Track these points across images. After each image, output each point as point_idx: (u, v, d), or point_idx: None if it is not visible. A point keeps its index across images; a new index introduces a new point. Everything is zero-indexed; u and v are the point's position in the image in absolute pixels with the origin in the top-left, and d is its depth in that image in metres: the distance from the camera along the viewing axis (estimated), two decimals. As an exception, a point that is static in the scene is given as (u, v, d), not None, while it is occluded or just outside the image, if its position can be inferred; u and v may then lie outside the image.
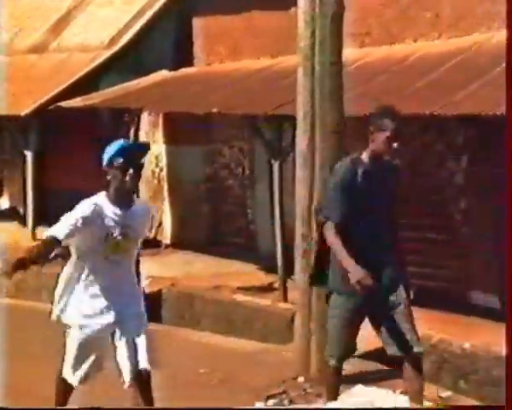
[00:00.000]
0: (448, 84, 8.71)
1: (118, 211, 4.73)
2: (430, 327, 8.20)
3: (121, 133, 11.56)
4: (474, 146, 9.31)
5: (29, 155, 13.54)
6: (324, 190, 5.78)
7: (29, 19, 16.09)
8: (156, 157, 13.29)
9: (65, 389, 5.03)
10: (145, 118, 13.29)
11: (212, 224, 12.86)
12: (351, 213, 5.05)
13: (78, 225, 4.55)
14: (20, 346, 7.55)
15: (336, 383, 5.69)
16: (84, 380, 4.95)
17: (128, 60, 13.64)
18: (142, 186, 13.45)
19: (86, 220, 4.58)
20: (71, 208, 4.65)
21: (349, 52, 9.42)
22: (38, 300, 10.19)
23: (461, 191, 9.48)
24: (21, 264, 4.42)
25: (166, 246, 12.87)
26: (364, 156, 5.13)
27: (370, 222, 5.09)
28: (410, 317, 5.31)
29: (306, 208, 6.71)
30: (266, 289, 10.41)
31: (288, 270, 8.96)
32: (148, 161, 13.49)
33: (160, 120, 13.29)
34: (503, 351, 7.46)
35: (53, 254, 4.57)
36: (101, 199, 4.75)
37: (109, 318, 4.80)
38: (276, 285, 10.07)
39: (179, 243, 12.78)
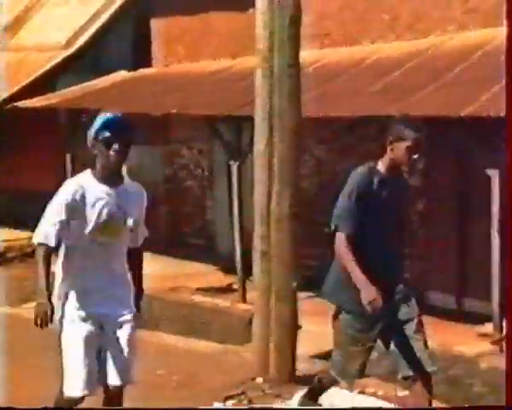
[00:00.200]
0: (405, 86, 8.78)
1: (105, 189, 4.38)
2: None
3: (79, 134, 11.46)
4: (431, 147, 9.38)
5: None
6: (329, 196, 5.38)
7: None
8: (115, 158, 13.19)
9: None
10: (103, 119, 13.17)
11: (171, 225, 12.83)
12: (363, 224, 4.77)
13: (64, 219, 4.28)
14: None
15: None
16: (100, 381, 4.42)
17: (86, 60, 13.56)
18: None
19: (71, 211, 4.29)
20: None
21: (308, 54, 9.47)
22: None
23: (418, 193, 9.56)
24: (43, 306, 4.18)
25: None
26: (380, 166, 4.83)
27: (382, 234, 4.82)
28: (423, 333, 4.93)
29: (265, 209, 6.71)
30: (225, 290, 10.41)
31: (247, 271, 8.96)
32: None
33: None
34: (460, 350, 7.58)
35: None
36: (85, 178, 4.42)
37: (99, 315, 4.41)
38: (236, 286, 10.07)
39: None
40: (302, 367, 6.87)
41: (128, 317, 4.48)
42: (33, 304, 4.30)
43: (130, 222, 4.48)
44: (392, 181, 4.81)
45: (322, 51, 10.64)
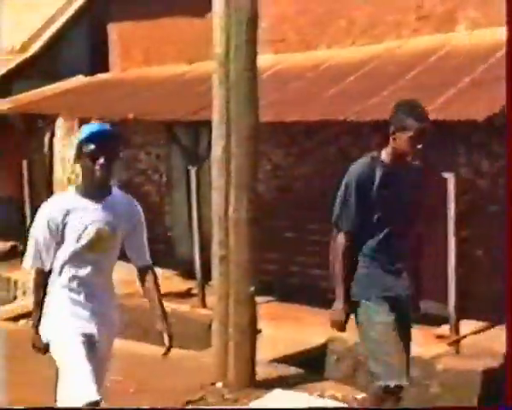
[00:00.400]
0: (361, 90, 8.83)
1: (90, 204, 4.15)
2: (347, 330, 8.29)
3: (35, 139, 11.36)
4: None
5: None
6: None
7: None
8: (72, 164, 13.09)
9: None
10: (60, 123, 13.08)
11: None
12: (364, 220, 4.51)
13: (50, 242, 4.14)
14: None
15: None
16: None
17: (42, 65, 13.44)
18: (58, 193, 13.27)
19: (55, 232, 4.12)
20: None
21: (264, 58, 9.47)
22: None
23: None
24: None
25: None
26: (384, 156, 4.57)
27: (386, 230, 4.54)
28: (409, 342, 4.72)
29: (223, 214, 6.70)
30: (184, 295, 10.37)
31: (206, 276, 8.93)
32: (64, 167, 13.30)
33: (76, 126, 13.10)
34: (417, 352, 7.62)
35: None
36: (68, 195, 4.22)
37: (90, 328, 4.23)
38: (195, 291, 10.03)
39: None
40: (262, 372, 6.87)
41: (112, 337, 4.43)
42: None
43: (119, 237, 4.26)
44: (400, 171, 4.54)
45: (278, 56, 10.66)
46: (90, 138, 4.08)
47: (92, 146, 4.05)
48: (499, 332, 7.73)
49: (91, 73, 13.16)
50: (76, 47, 13.45)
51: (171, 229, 12.25)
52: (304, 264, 10.15)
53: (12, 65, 13.44)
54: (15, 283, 11.69)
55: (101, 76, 13.03)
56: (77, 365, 4.08)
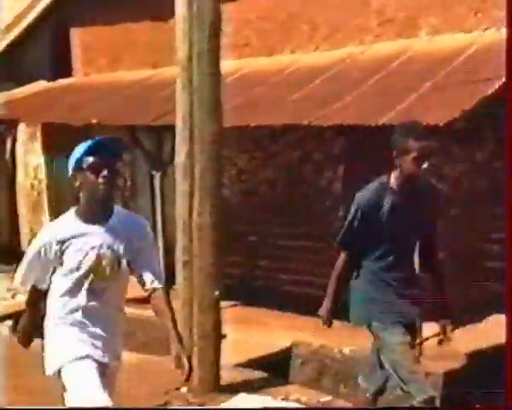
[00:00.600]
0: (324, 95, 8.87)
1: (90, 229, 3.81)
2: (311, 333, 8.33)
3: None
4: (350, 155, 9.52)
5: None
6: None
7: None
8: (35, 169, 13.00)
9: None
10: (23, 129, 12.98)
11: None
12: (374, 245, 4.54)
13: (48, 266, 3.87)
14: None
15: None
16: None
17: (3, 70, 13.30)
18: (21, 199, 13.16)
19: (50, 260, 3.84)
20: None
21: (228, 63, 9.49)
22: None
23: (338, 200, 9.67)
24: (25, 339, 4.10)
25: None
26: (393, 181, 4.50)
27: (398, 254, 4.54)
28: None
29: (187, 219, 6.70)
30: (148, 300, 10.31)
31: (171, 280, 8.91)
32: (27, 173, 13.20)
33: (39, 131, 13.01)
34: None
35: None
36: (67, 219, 3.87)
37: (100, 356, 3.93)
38: (159, 296, 9.99)
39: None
40: (226, 376, 6.87)
41: (116, 370, 4.11)
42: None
43: (125, 261, 3.92)
44: (410, 194, 4.46)
45: (242, 61, 10.67)
46: (90, 151, 3.75)
47: (94, 158, 3.73)
48: (461, 334, 7.81)
49: (53, 78, 13.07)
50: (38, 52, 13.34)
51: (135, 234, 12.19)
52: (268, 268, 10.17)
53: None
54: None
55: (63, 81, 12.94)
56: (91, 388, 3.81)
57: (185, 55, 6.53)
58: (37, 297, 3.99)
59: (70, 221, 3.85)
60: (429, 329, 7.92)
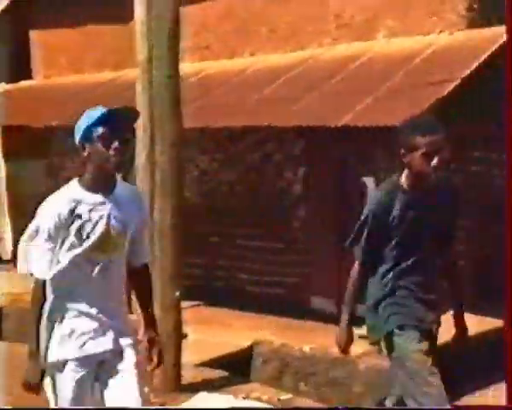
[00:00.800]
0: (284, 96, 8.93)
1: (97, 198, 3.59)
2: (273, 333, 8.38)
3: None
4: (310, 156, 9.58)
5: None
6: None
7: None
8: (-5, 171, 12.90)
9: None
10: (-18, 131, 12.87)
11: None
12: (387, 248, 4.23)
13: (55, 244, 3.54)
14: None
15: None
16: None
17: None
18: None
19: (62, 232, 3.53)
20: None
21: (188, 66, 9.51)
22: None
23: (299, 200, 9.73)
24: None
25: (7, 261, 12.50)
26: (404, 180, 4.18)
27: (413, 257, 4.23)
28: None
29: (148, 220, 6.69)
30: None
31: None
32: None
33: (-1, 134, 12.91)
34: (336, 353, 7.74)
35: None
36: (73, 189, 3.61)
37: (105, 343, 3.63)
38: (121, 297, 9.97)
39: (21, 259, 12.42)
40: (187, 375, 6.88)
41: (129, 343, 3.71)
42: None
43: (129, 234, 3.70)
44: (422, 194, 4.16)
45: (202, 63, 10.69)
46: (100, 121, 3.53)
47: (105, 129, 3.52)
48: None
49: (14, 80, 12.96)
50: (-3, 54, 13.23)
51: (97, 236, 12.15)
52: (230, 268, 10.20)
53: None
54: None
55: (24, 83, 12.85)
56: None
57: (145, 58, 6.53)
58: (45, 292, 3.58)
59: (77, 190, 3.60)
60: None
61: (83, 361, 3.60)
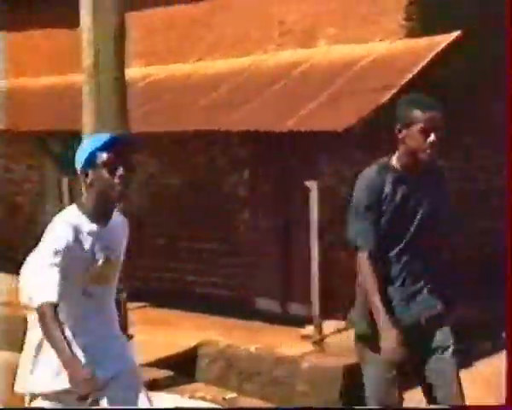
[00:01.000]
0: (230, 101, 8.95)
1: (95, 228, 3.43)
2: (219, 333, 8.39)
3: None
4: (255, 160, 9.61)
5: None
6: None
7: None
8: None
9: None
10: None
11: (4, 240, 12.42)
12: (380, 237, 3.83)
13: (62, 269, 3.29)
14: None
15: None
16: None
17: None
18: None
19: (67, 260, 3.31)
20: None
21: (135, 71, 9.48)
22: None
23: (244, 203, 9.75)
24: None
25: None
26: (395, 162, 3.88)
27: (405, 246, 3.86)
28: (457, 366, 3.91)
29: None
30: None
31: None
32: None
33: None
34: (284, 352, 7.79)
35: None
36: (74, 216, 3.42)
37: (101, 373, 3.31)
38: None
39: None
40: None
41: (130, 366, 3.57)
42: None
43: (120, 263, 3.60)
44: (414, 177, 3.86)
45: (149, 68, 10.66)
46: (105, 146, 3.37)
47: (109, 155, 3.35)
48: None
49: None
50: None
51: (44, 238, 12.01)
52: (176, 270, 10.18)
53: None
54: None
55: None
56: None
57: (91, 62, 6.50)
58: (57, 315, 3.25)
59: (79, 217, 3.42)
60: (331, 326, 8.13)
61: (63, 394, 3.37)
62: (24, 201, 12.27)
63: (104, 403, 3.42)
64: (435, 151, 3.77)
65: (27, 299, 3.31)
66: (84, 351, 3.37)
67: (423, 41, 8.42)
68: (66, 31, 10.58)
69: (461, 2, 8.73)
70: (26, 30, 11.99)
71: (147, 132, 8.56)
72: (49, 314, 3.19)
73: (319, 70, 8.86)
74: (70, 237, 3.34)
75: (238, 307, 9.23)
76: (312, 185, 7.94)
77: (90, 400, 3.13)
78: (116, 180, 3.34)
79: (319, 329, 7.97)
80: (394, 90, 7.58)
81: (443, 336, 3.89)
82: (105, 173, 3.35)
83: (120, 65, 6.54)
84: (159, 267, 10.30)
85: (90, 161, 3.37)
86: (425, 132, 3.74)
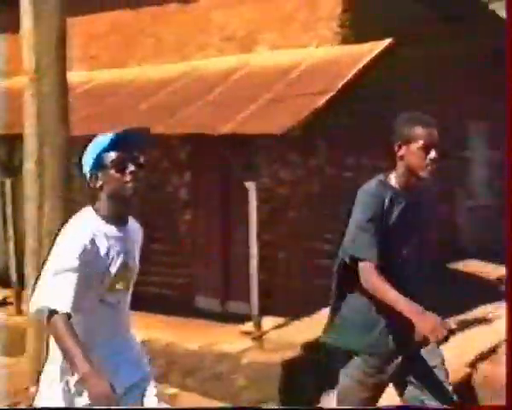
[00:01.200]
0: (170, 105, 8.95)
1: (114, 231, 3.21)
2: (160, 331, 8.38)
3: None
4: (196, 162, 9.63)
5: None
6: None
7: None
8: None
9: None
10: None
11: None
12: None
13: (81, 275, 3.05)
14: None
15: None
16: None
17: None
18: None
19: (86, 265, 3.07)
20: None
21: (77, 75, 9.41)
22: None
23: (185, 204, 9.77)
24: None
25: None
26: (393, 180, 3.78)
27: (398, 263, 3.74)
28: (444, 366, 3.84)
29: (37, 224, 6.61)
30: (1, 303, 10.12)
31: (23, 284, 8.75)
32: None
33: None
34: (224, 348, 7.83)
35: None
36: (91, 218, 3.19)
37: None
38: (11, 300, 9.79)
39: None
40: (77, 374, 6.80)
41: (146, 373, 3.34)
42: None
43: (137, 269, 3.36)
44: (410, 196, 3.76)
45: (90, 73, 10.59)
46: (113, 146, 3.17)
47: (118, 153, 3.16)
48: (298, 325, 8.09)
49: None
50: None
51: (-13, 240, 11.84)
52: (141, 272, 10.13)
53: None
54: None
55: None
56: None
57: (32, 67, 6.46)
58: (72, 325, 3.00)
59: (95, 220, 3.19)
60: (270, 322, 8.20)
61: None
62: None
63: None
64: (435, 168, 3.68)
65: (40, 307, 3.04)
66: (100, 362, 3.04)
67: (358, 48, 8.55)
68: (11, 35, 10.45)
69: (393, 10, 8.91)
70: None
71: (88, 136, 8.51)
72: (60, 325, 2.95)
73: (259, 75, 8.92)
74: (87, 240, 3.10)
75: (179, 306, 9.24)
76: (251, 186, 8.00)
77: None
78: (127, 178, 3.15)
79: (258, 325, 8.03)
80: (329, 95, 7.68)
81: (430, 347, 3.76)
82: (115, 173, 3.16)
83: (62, 70, 6.51)
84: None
85: (98, 162, 3.18)
86: (426, 149, 3.66)
